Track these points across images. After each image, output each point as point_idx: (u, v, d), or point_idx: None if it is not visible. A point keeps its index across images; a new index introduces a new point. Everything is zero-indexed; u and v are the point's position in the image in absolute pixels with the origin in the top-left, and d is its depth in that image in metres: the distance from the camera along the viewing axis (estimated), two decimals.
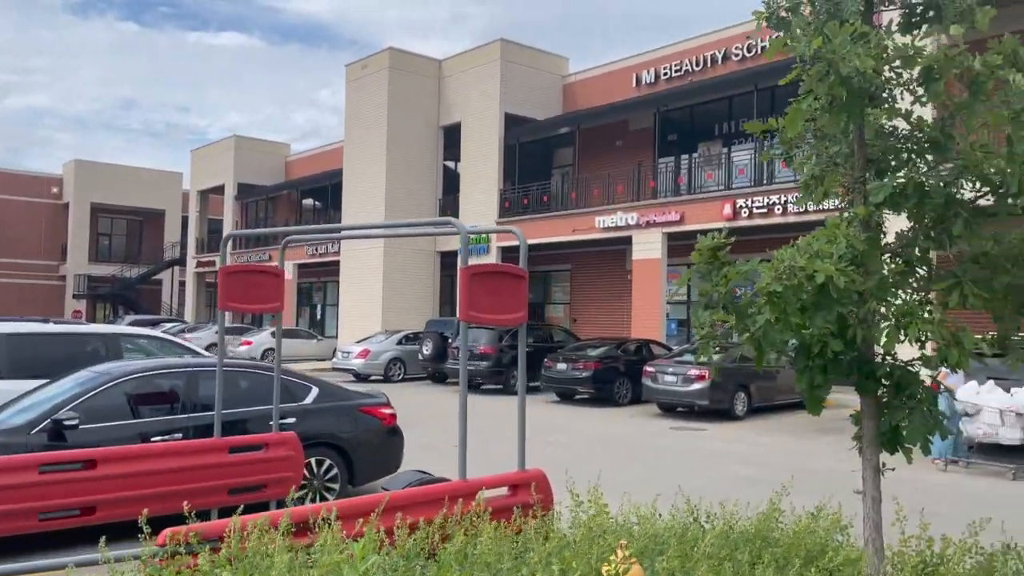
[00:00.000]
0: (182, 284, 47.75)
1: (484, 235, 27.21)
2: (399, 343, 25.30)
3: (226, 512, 5.83)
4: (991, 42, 4.38)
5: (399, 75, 30.50)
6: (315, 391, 8.35)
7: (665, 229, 22.58)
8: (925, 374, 4.66)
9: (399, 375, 24.84)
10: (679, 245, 22.05)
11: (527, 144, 29.16)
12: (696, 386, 16.43)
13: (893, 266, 4.44)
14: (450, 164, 32.40)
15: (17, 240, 48.41)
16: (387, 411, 8.69)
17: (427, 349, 23.63)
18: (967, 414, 11.06)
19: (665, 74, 26.37)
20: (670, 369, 17.05)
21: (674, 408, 17.57)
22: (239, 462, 6.72)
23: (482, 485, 5.05)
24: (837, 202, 5.04)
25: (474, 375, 21.61)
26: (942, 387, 10.98)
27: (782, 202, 19.63)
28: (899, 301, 4.50)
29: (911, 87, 4.54)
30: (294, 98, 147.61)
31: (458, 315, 5.33)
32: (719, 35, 24.98)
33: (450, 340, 22.90)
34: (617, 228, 23.79)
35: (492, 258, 27.15)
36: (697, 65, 25.42)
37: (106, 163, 50.52)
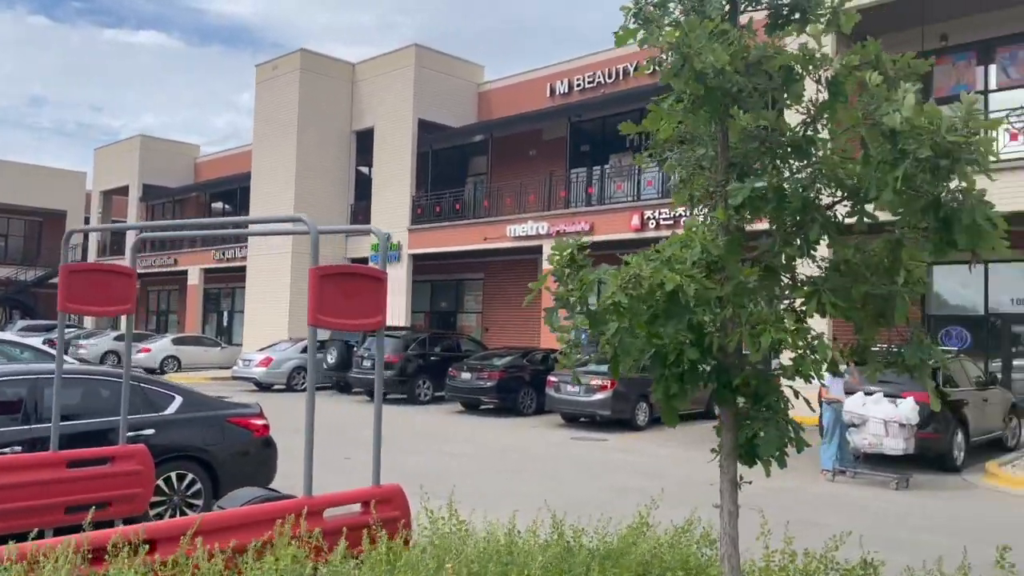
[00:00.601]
0: None
1: (395, 243, 26.71)
2: (303, 351, 24.50)
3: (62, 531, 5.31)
4: (855, 46, 4.28)
5: (311, 77, 29.83)
6: (178, 400, 7.82)
7: (575, 239, 22.51)
8: (785, 384, 4.52)
9: (303, 384, 24.03)
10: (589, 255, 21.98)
11: (441, 151, 28.82)
12: (598, 396, 16.32)
13: (748, 272, 4.27)
14: (363, 169, 31.78)
15: None
16: (259, 422, 8.21)
17: (331, 358, 22.97)
18: (854, 425, 11.17)
19: (578, 85, 26.41)
20: None
21: (577, 418, 17.44)
22: (79, 478, 6.16)
23: (327, 503, 4.70)
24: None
25: None
26: (825, 401, 11.09)
27: (688, 213, 19.77)
28: (760, 308, 4.35)
29: (772, 89, 4.41)
30: (214, 101, 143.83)
31: (307, 319, 4.96)
32: (631, 48, 25.12)
33: (355, 349, 22.33)
34: (528, 237, 23.65)
35: (403, 266, 26.67)
36: (609, 77, 25.54)
37: (3, 160, 48.02)
